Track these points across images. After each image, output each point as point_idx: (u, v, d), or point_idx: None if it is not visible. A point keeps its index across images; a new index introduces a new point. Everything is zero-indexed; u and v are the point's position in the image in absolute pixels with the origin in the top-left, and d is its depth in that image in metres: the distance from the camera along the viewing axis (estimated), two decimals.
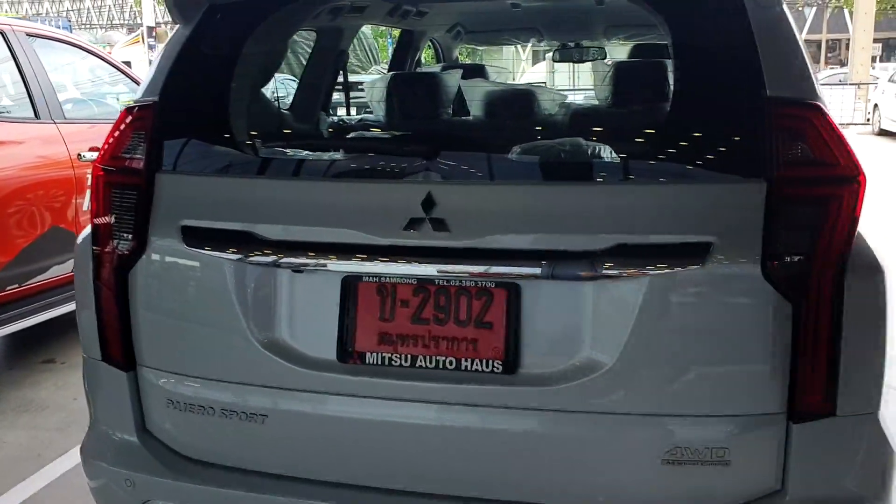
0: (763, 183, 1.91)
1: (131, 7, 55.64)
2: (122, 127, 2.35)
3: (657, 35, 4.58)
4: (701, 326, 1.95)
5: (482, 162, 2.16)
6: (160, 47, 2.59)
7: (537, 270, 2.00)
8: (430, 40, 4.87)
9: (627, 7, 3.76)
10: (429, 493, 2.11)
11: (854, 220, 1.91)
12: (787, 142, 1.92)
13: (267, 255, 2.16)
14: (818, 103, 1.95)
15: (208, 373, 2.26)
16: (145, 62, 27.96)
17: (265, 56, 2.66)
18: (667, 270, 1.94)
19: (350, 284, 2.14)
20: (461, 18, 4.62)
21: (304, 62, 4.09)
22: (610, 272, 1.96)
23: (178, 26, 2.43)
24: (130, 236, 2.29)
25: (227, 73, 2.35)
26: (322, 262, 2.13)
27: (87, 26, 57.88)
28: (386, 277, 2.12)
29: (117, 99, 6.21)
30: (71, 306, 5.14)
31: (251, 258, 2.17)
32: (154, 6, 28.82)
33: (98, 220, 2.34)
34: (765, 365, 1.93)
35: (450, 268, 2.06)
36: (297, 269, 2.16)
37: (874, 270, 1.93)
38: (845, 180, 1.91)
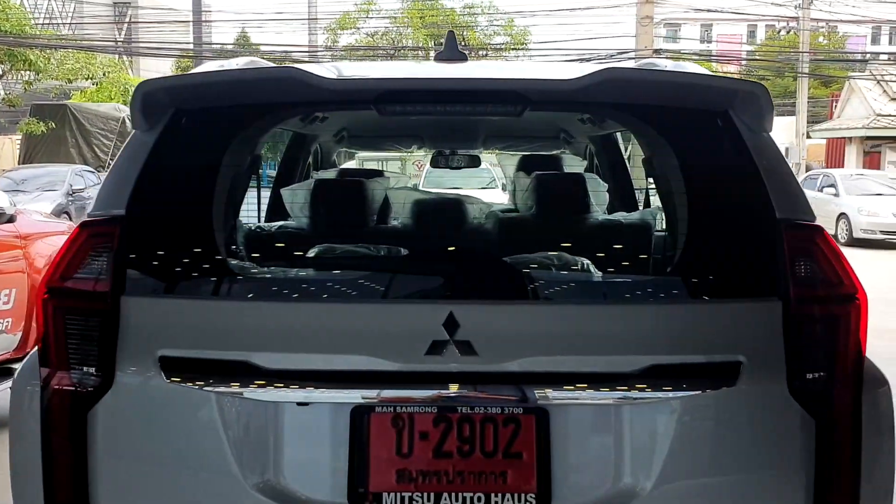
0: (778, 302, 1.97)
1: None
2: (79, 244, 2.05)
3: (551, 146, 4.73)
4: (734, 445, 1.95)
5: (502, 280, 2.09)
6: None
7: (570, 395, 1.94)
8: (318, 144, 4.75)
9: (535, 121, 3.86)
10: None
11: (861, 337, 2.00)
12: (797, 262, 2.00)
13: (266, 386, 1.94)
14: (819, 224, 2.06)
15: None
16: None
17: (243, 164, 2.46)
18: (701, 391, 1.93)
19: (360, 416, 1.96)
20: (349, 123, 4.56)
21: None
22: (644, 395, 1.93)
23: (134, 133, 2.19)
24: (92, 370, 1.99)
25: (206, 183, 2.14)
26: (329, 392, 1.95)
27: None
28: (402, 407, 1.96)
29: None
30: None
31: (247, 391, 1.94)
32: None
33: (47, 351, 2.02)
34: (794, 480, 1.95)
35: (476, 394, 1.94)
36: (302, 402, 1.96)
37: (880, 383, 2.03)
38: (848, 298, 2.01)
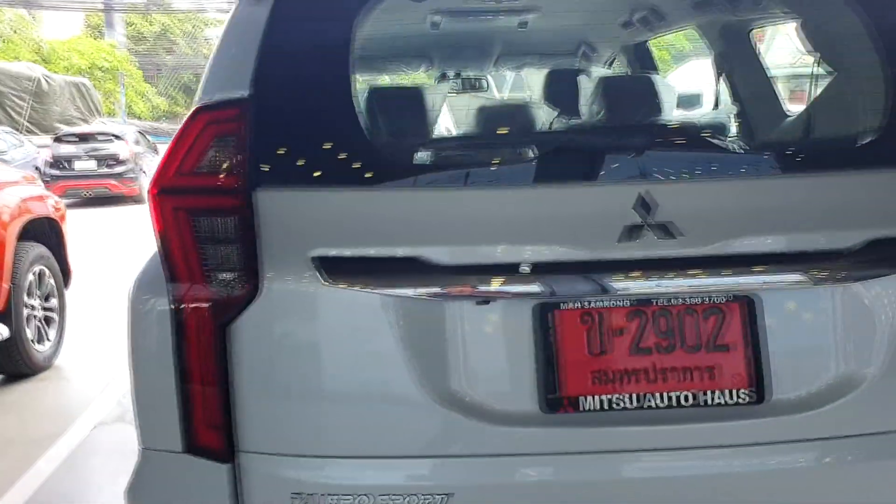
0: None
1: None
2: (195, 133, 1.74)
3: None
4: None
5: (696, 155, 1.87)
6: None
7: (780, 277, 1.74)
8: None
9: None
10: None
11: None
12: None
13: (440, 285, 1.69)
14: None
15: (362, 447, 1.71)
16: None
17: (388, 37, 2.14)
18: None
19: (545, 314, 1.73)
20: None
21: None
22: (862, 272, 1.75)
23: (240, 7, 1.87)
24: (231, 277, 1.70)
25: (338, 58, 1.83)
26: (512, 288, 1.71)
27: None
28: (592, 301, 1.74)
29: None
30: None
31: (419, 290, 1.69)
32: None
33: (171, 262, 1.72)
34: None
35: (677, 283, 1.72)
36: (483, 300, 1.71)
37: None
38: None
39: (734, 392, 1.73)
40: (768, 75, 2.66)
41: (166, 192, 1.75)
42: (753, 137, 1.99)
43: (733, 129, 2.00)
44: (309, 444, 1.72)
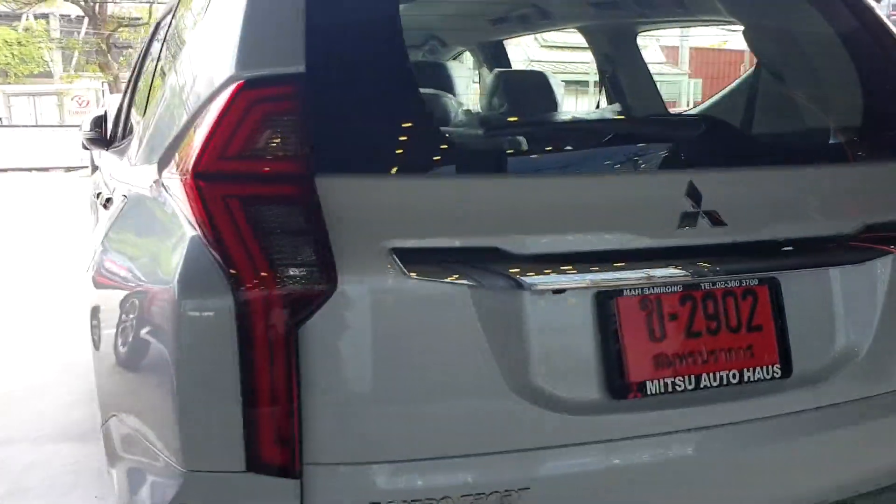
0: None
1: None
2: (242, 113, 1.54)
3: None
4: None
5: (736, 144, 1.95)
6: None
7: (798, 260, 1.90)
8: None
9: None
10: None
11: None
12: None
13: (521, 275, 1.65)
14: None
15: (442, 447, 1.62)
16: None
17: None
18: None
19: (606, 302, 1.74)
20: None
21: None
22: (863, 254, 1.94)
23: None
24: (306, 272, 1.53)
25: (394, 33, 1.68)
26: (588, 276, 1.71)
27: None
28: (649, 287, 1.77)
29: None
30: None
31: (500, 281, 1.63)
32: None
33: (231, 258, 1.51)
34: None
35: (722, 267, 1.82)
36: (559, 290, 1.69)
37: None
38: None
39: (768, 368, 1.86)
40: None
41: (208, 177, 1.53)
42: (781, 128, 2.14)
43: (770, 119, 2.14)
44: (386, 449, 1.59)
